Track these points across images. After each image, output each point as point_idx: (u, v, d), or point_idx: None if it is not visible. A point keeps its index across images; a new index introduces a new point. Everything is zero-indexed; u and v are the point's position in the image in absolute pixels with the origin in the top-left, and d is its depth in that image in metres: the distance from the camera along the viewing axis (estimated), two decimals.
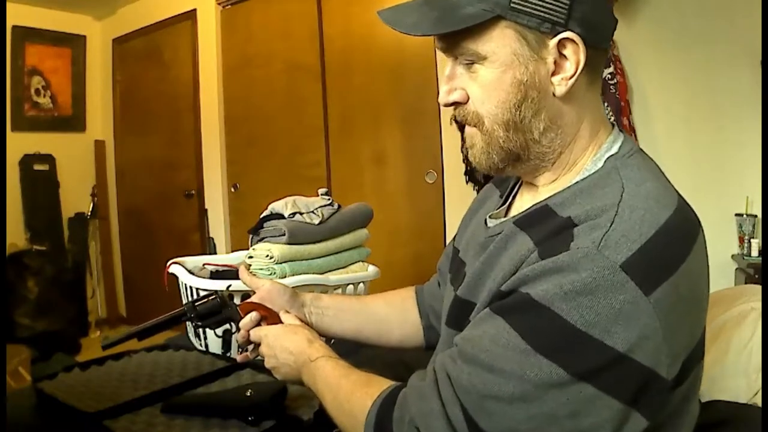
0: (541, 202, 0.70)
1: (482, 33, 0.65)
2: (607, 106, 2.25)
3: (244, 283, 1.02)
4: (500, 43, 0.65)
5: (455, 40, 0.67)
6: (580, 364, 0.56)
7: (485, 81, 0.67)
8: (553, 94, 0.67)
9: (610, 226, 0.59)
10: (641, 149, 0.71)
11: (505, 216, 0.80)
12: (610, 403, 0.56)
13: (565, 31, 0.64)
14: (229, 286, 1.09)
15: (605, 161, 0.68)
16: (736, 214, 2.17)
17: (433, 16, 0.66)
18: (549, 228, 0.64)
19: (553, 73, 0.66)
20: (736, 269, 2.14)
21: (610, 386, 0.56)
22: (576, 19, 0.63)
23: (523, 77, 0.66)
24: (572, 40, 0.64)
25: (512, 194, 0.83)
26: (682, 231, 0.61)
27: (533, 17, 0.63)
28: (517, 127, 0.68)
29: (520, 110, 0.67)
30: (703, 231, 0.64)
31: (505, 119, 0.68)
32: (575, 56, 0.65)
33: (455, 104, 0.72)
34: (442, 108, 2.07)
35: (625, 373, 0.56)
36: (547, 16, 0.63)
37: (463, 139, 0.77)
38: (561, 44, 0.65)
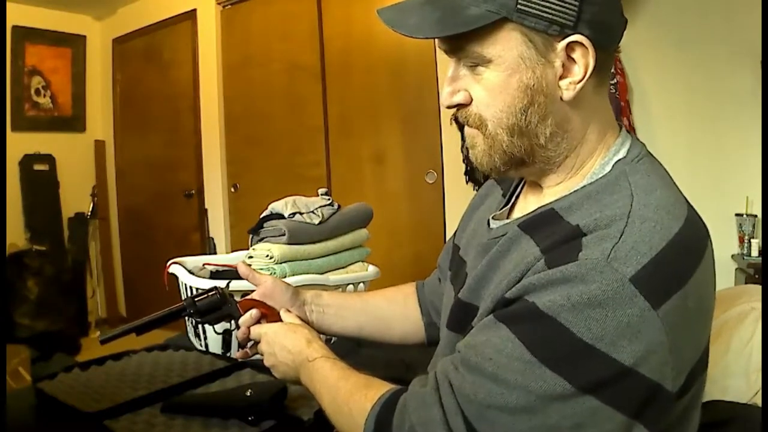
0: (546, 205, 0.68)
1: (487, 35, 0.63)
2: None
3: (244, 278, 1.01)
4: (506, 46, 0.63)
5: (459, 42, 0.64)
6: (585, 377, 0.55)
7: (490, 84, 0.65)
8: (561, 99, 0.64)
9: (620, 237, 0.57)
10: (650, 153, 0.69)
11: (507, 217, 0.78)
12: (613, 416, 0.56)
13: (573, 33, 0.61)
14: (229, 283, 1.08)
15: (613, 165, 0.67)
16: (736, 214, 2.17)
17: (436, 17, 0.63)
18: (556, 234, 0.63)
19: (561, 77, 0.64)
20: (736, 269, 2.14)
21: (614, 399, 0.55)
22: (585, 21, 0.61)
23: (529, 81, 0.63)
24: (581, 43, 0.62)
25: (515, 194, 0.81)
26: (691, 243, 0.60)
27: (541, 19, 0.61)
28: (522, 132, 0.66)
29: (526, 115, 0.65)
30: (711, 240, 0.63)
31: (510, 123, 0.66)
32: (584, 59, 0.62)
33: (458, 106, 0.69)
34: (442, 108, 2.07)
35: (630, 386, 0.55)
36: (555, 18, 0.60)
37: (463, 139, 0.76)
38: (569, 47, 0.62)
